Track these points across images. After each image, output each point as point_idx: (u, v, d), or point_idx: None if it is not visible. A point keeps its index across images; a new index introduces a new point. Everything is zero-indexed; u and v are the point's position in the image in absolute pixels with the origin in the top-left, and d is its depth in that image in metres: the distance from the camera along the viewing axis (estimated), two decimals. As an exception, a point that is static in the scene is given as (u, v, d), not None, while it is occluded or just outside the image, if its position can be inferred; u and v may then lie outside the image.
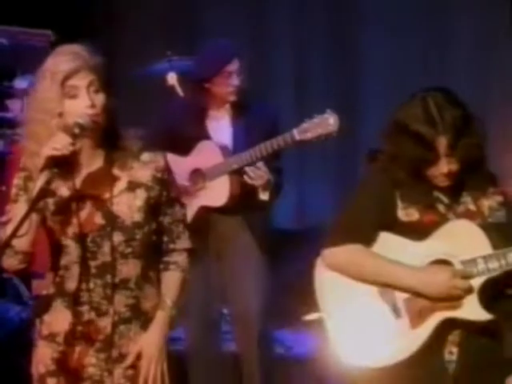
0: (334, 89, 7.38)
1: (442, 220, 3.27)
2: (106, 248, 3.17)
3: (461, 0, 7.22)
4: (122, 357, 3.21)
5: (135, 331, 3.22)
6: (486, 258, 3.18)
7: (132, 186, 3.20)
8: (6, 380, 3.67)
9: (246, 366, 5.12)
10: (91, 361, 3.20)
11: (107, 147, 3.21)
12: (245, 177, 4.82)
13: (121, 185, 3.20)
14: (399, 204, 3.29)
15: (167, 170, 3.32)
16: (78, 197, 3.17)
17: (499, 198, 3.32)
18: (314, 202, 7.20)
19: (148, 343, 3.22)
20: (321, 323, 3.44)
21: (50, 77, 3.09)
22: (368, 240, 3.32)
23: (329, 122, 4.67)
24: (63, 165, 3.08)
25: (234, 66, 4.94)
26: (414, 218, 3.28)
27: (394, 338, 3.27)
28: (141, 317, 3.23)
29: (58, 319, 3.20)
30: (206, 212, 5.00)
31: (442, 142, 3.18)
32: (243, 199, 4.94)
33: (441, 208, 3.30)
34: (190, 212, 4.99)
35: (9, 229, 3.05)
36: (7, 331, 3.88)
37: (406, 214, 3.29)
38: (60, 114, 3.09)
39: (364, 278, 3.32)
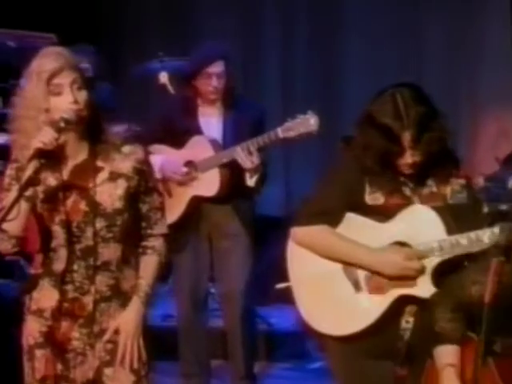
0: (318, 89, 7.38)
1: (408, 202, 3.28)
2: (89, 233, 3.16)
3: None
4: (102, 332, 3.21)
5: (115, 309, 3.22)
6: (440, 242, 3.17)
7: (113, 177, 3.19)
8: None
9: (231, 340, 5.13)
10: (75, 335, 3.20)
11: (91, 140, 3.20)
12: (238, 159, 4.79)
13: (103, 175, 3.19)
14: (367, 189, 3.30)
15: (146, 161, 3.29)
16: (65, 186, 3.16)
17: (462, 181, 3.32)
18: (299, 191, 7.16)
19: (126, 320, 3.22)
20: (290, 292, 3.47)
21: (36, 76, 3.08)
22: (334, 221, 3.33)
23: (310, 122, 4.66)
24: (50, 156, 3.07)
25: (215, 68, 4.91)
26: (380, 202, 3.30)
27: (354, 310, 3.30)
28: (120, 296, 3.22)
29: (46, 296, 3.19)
30: (198, 201, 4.99)
31: (407, 136, 3.19)
32: (232, 190, 4.93)
33: (407, 191, 3.31)
34: (184, 201, 5.01)
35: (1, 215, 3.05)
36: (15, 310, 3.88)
37: (373, 198, 3.30)
38: (47, 110, 3.08)
39: (328, 256, 3.35)
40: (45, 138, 3.01)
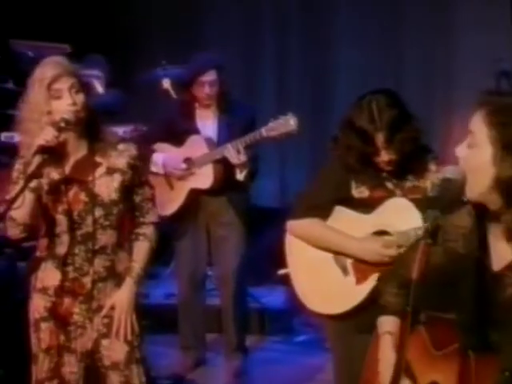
0: (310, 92, 7.33)
1: (391, 195, 3.31)
2: (89, 221, 3.20)
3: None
4: (100, 308, 3.24)
5: (111, 288, 3.25)
6: (416, 230, 3.17)
7: (110, 171, 3.23)
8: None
9: (224, 316, 5.14)
10: (76, 310, 3.24)
11: (90, 139, 3.22)
12: (228, 156, 4.80)
13: (101, 170, 3.22)
14: (353, 185, 3.33)
15: (139, 158, 3.32)
16: (67, 180, 3.20)
17: (440, 175, 3.34)
18: (293, 184, 7.19)
19: (120, 298, 3.25)
20: (288, 277, 3.52)
21: (38, 83, 3.12)
22: (324, 214, 3.38)
23: (290, 122, 4.63)
24: (53, 153, 3.10)
25: (207, 76, 4.91)
26: (365, 195, 3.33)
27: (343, 292, 3.34)
28: (115, 277, 3.26)
29: (49, 276, 3.23)
30: (195, 193, 5.00)
31: (380, 138, 3.21)
32: (225, 183, 4.94)
33: (389, 185, 3.33)
34: (183, 193, 5.03)
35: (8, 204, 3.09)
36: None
37: (359, 192, 3.33)
38: (49, 113, 3.11)
39: (319, 246, 3.40)
40: (47, 136, 3.05)
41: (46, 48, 5.52)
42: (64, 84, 3.12)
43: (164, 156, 5.03)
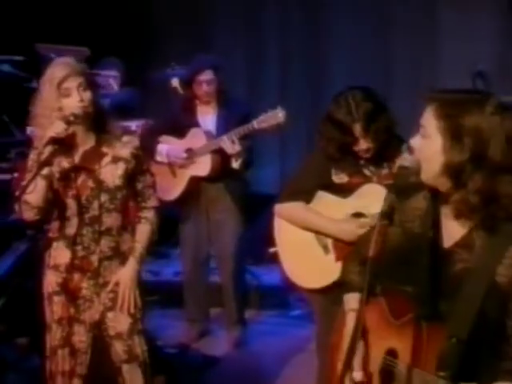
0: (309, 90, 7.36)
1: (367, 181, 3.32)
2: (96, 205, 3.22)
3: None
4: (106, 283, 3.27)
5: (115, 266, 3.28)
6: None
7: (115, 160, 3.25)
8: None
9: (225, 292, 5.17)
10: (84, 285, 3.26)
11: (97, 131, 3.24)
12: (224, 147, 4.82)
13: (107, 159, 3.24)
14: (333, 172, 3.34)
15: (142, 148, 3.34)
16: (76, 168, 3.22)
17: (398, 164, 3.31)
18: (292, 172, 7.20)
19: (124, 275, 3.27)
20: (277, 256, 3.55)
21: (49, 83, 3.13)
22: (308, 198, 3.39)
23: (278, 115, 4.63)
24: (64, 144, 3.13)
25: (204, 76, 4.94)
26: (344, 181, 3.34)
27: (324, 268, 3.35)
28: (120, 256, 3.28)
29: (61, 255, 3.26)
30: (195, 180, 5.01)
31: (357, 128, 3.24)
32: (221, 171, 4.95)
33: (367, 172, 3.34)
34: (185, 180, 5.04)
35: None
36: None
37: (339, 178, 3.35)
38: (59, 109, 3.13)
39: (302, 227, 3.41)
40: (57, 129, 3.08)
41: (67, 51, 5.51)
42: (72, 83, 3.13)
43: (167, 147, 5.05)
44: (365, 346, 2.20)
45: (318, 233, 3.39)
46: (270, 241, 3.73)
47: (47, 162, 3.11)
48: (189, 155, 5.01)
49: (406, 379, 2.06)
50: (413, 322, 2.10)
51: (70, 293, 3.26)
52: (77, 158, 3.24)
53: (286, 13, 7.51)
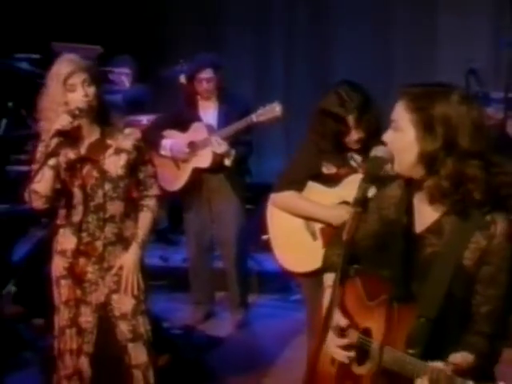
0: (312, 92, 7.37)
1: (354, 172, 3.33)
2: (100, 193, 3.24)
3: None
4: (110, 267, 3.29)
5: (119, 251, 3.29)
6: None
7: (118, 151, 3.26)
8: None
9: (229, 277, 5.19)
10: (90, 269, 3.28)
11: (101, 124, 3.26)
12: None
13: (110, 150, 3.26)
14: (323, 163, 3.36)
15: (143, 140, 3.35)
16: (81, 159, 3.24)
17: (371, 154, 3.33)
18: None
19: (127, 259, 3.29)
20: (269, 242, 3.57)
21: (55, 78, 3.15)
22: (300, 188, 3.40)
23: (276, 109, 4.64)
24: (70, 136, 3.15)
25: (204, 74, 4.96)
26: (333, 172, 3.35)
27: (312, 254, 3.34)
28: (123, 241, 3.30)
29: (67, 241, 3.28)
30: (198, 171, 5.03)
31: (351, 119, 3.25)
32: (221, 163, 4.96)
33: (353, 164, 3.35)
34: (187, 171, 5.07)
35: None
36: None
37: (328, 168, 3.36)
38: (65, 103, 3.14)
39: (295, 214, 3.43)
40: (63, 122, 3.10)
41: (81, 49, 5.53)
42: (77, 79, 3.15)
43: (171, 141, 5.07)
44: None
45: (309, 219, 3.40)
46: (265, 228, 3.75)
47: (54, 153, 3.12)
48: (191, 149, 5.02)
49: (379, 356, 2.08)
50: (386, 303, 2.12)
51: (76, 276, 3.28)
52: (83, 150, 3.26)
53: (292, 14, 7.55)
